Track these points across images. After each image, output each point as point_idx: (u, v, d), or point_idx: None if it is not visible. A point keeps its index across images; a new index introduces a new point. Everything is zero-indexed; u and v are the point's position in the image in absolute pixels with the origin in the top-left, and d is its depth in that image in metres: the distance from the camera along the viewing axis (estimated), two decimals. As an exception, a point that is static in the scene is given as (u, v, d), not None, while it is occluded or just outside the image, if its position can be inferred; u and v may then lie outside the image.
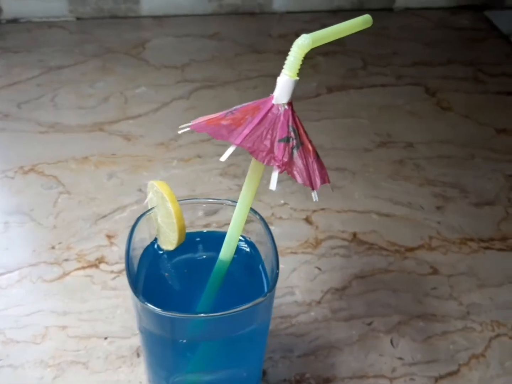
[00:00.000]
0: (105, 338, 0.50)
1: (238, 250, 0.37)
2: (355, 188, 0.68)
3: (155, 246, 0.38)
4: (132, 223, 0.61)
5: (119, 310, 0.52)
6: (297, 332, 0.52)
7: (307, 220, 0.63)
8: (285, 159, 0.32)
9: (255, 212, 0.38)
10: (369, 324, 0.53)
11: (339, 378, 0.49)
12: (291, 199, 0.65)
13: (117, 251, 0.58)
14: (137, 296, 0.31)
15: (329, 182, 0.35)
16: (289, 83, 0.31)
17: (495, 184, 0.70)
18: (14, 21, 0.93)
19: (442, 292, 0.56)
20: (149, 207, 0.38)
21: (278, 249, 0.36)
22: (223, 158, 0.32)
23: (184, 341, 0.33)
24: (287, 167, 0.32)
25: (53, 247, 0.57)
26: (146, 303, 0.31)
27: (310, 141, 0.34)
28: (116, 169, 0.67)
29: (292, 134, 0.32)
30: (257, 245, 0.39)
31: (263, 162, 0.31)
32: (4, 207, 0.61)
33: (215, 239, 0.39)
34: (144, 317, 0.32)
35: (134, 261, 0.37)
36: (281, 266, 0.57)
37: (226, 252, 0.36)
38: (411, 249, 0.60)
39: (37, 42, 0.89)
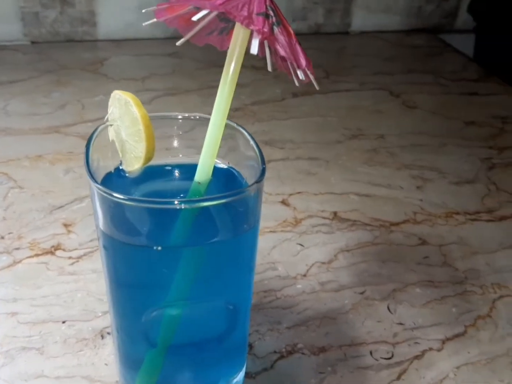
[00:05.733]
0: (63, 322, 0.43)
1: (216, 172, 0.32)
2: (331, 174, 0.64)
3: (119, 169, 0.33)
4: (92, 212, 0.55)
5: (79, 294, 0.46)
6: (284, 305, 0.46)
7: (284, 203, 0.58)
8: (266, 30, 0.28)
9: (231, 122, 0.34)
10: (362, 293, 0.48)
11: (336, 346, 0.43)
12: (265, 185, 0.61)
13: (76, 239, 0.51)
14: (98, 184, 0.26)
15: (313, 73, 0.32)
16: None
17: (472, 165, 0.68)
18: (-36, 45, 0.90)
19: (435, 261, 0.52)
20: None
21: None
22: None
23: (159, 248, 0.27)
24: (268, 37, 0.29)
25: (2, 237, 0.51)
26: (114, 193, 0.25)
27: (290, 27, 0.31)
28: (73, 165, 0.62)
29: (270, 12, 0.29)
30: (237, 167, 0.35)
31: (242, 23, 0.28)
32: None
33: (188, 168, 0.34)
34: (108, 220, 0.27)
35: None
36: (260, 244, 0.52)
37: (202, 172, 0.32)
38: (396, 224, 0.57)
39: (-12, 62, 0.85)
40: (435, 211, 0.59)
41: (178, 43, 0.35)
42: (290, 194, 0.60)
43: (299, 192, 0.60)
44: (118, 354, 0.34)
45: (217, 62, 0.91)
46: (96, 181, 0.26)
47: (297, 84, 0.33)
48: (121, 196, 0.26)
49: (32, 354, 0.40)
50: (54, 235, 0.51)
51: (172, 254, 0.28)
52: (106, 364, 0.40)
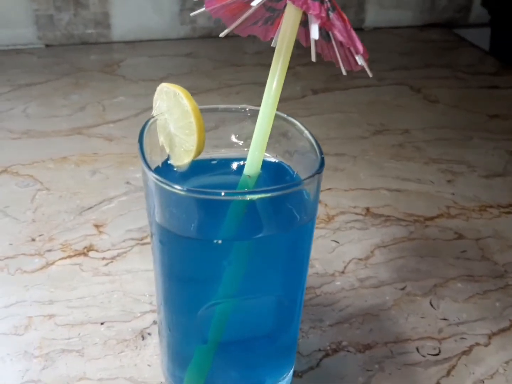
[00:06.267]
0: (102, 323, 0.42)
1: (265, 166, 0.31)
2: (359, 170, 0.63)
3: (167, 164, 0.32)
4: (122, 212, 0.55)
5: (116, 295, 0.45)
6: (324, 302, 0.45)
7: (314, 199, 0.57)
8: (323, 15, 0.28)
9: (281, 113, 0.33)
10: (403, 289, 0.47)
11: (381, 343, 0.42)
12: (293, 182, 0.60)
13: (108, 239, 0.50)
14: (158, 176, 0.25)
15: (367, 60, 0.32)
16: None
17: (500, 159, 0.67)
18: (-21, 49, 0.89)
19: (473, 254, 0.51)
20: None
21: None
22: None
23: (219, 241, 0.26)
24: (325, 22, 0.28)
25: (33, 239, 0.50)
26: (176, 185, 0.25)
27: (343, 13, 0.30)
28: (99, 165, 0.61)
29: (324, -4, 0.29)
30: (287, 160, 0.34)
31: (301, 7, 0.27)
32: (-26, 206, 0.54)
33: (236, 162, 0.34)
34: (166, 213, 0.26)
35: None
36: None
37: (251, 165, 0.31)
38: (430, 218, 0.56)
39: (3, 66, 0.84)
40: (468, 205, 0.58)
41: (222, 34, 0.34)
42: (320, 191, 0.59)
43: (329, 189, 0.59)
44: (168, 352, 0.34)
45: (233, 61, 0.91)
46: (155, 174, 0.25)
47: (344, 73, 0.33)
48: (184, 188, 0.25)
49: (72, 356, 0.39)
50: (86, 236, 0.51)
51: (232, 248, 0.27)
52: (149, 365, 0.39)
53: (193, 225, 0.27)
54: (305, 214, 0.28)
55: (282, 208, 0.27)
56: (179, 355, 0.33)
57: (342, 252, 0.51)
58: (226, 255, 0.27)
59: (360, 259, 0.50)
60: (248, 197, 0.26)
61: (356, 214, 0.56)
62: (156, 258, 0.29)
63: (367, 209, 0.56)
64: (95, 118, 0.71)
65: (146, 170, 0.26)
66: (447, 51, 1.01)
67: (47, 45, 0.92)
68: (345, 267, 0.49)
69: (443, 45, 1.03)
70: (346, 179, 0.61)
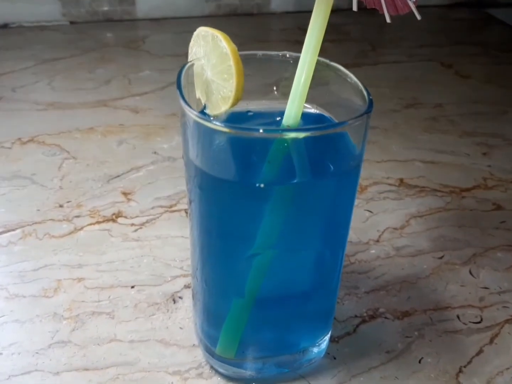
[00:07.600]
0: (132, 287, 0.41)
1: (304, 117, 0.30)
2: (391, 142, 0.61)
3: (204, 113, 0.31)
4: (150, 181, 0.54)
5: (145, 259, 0.44)
6: (359, 270, 0.44)
7: (346, 170, 0.56)
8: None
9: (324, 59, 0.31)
10: (441, 258, 0.45)
11: (420, 310, 0.40)
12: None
13: (137, 206, 0.50)
14: (198, 113, 0.24)
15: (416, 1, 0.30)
16: None
17: (538, 132, 0.64)
18: (4, 26, 0.88)
19: (513, 225, 0.49)
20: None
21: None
22: None
23: (262, 185, 0.25)
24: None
25: (60, 206, 0.49)
26: (216, 121, 0.23)
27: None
28: (126, 136, 0.60)
29: None
30: (327, 111, 0.32)
31: None
32: (1, 173, 0.53)
33: (274, 113, 0.32)
34: (208, 155, 0.25)
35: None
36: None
37: (290, 115, 0.29)
38: (467, 190, 0.54)
39: (28, 41, 0.84)
40: (506, 177, 0.56)
41: None
42: (351, 162, 0.57)
43: (360, 160, 0.58)
44: (203, 311, 0.32)
45: (259, 38, 0.89)
46: (197, 112, 0.24)
47: (388, 20, 0.31)
48: (226, 125, 0.23)
49: (103, 318, 0.39)
50: (114, 203, 0.50)
51: (274, 192, 0.26)
52: (180, 328, 0.38)
53: (234, 167, 0.26)
54: (352, 160, 0.27)
55: (327, 152, 0.26)
56: (215, 313, 0.32)
57: (376, 222, 0.49)
58: (267, 200, 0.26)
59: (395, 229, 0.48)
60: (291, 135, 0.24)
61: (390, 184, 0.54)
62: (194, 209, 0.28)
63: (401, 180, 0.55)
64: (121, 91, 0.70)
65: (186, 109, 0.25)
66: (477, 29, 0.99)
67: (71, 22, 0.91)
68: (379, 236, 0.47)
69: (472, 24, 1.01)
70: (378, 151, 0.59)
